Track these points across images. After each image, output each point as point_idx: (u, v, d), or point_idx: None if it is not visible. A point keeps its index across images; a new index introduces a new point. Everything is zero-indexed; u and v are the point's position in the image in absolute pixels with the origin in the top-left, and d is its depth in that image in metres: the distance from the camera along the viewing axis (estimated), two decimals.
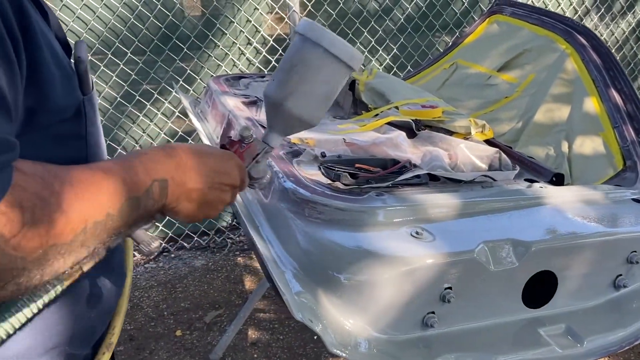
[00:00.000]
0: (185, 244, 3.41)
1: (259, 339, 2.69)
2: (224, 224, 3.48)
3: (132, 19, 2.81)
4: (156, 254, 0.64)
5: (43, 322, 0.62)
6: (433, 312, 0.92)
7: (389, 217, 1.01)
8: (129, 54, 2.86)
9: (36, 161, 0.49)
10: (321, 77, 0.75)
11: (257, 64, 3.15)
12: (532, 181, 1.24)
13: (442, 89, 2.17)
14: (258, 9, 3.05)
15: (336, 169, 1.16)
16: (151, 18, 2.84)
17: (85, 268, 0.57)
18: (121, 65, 2.85)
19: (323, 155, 1.26)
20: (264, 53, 3.13)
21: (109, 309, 0.76)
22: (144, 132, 3.03)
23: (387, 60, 3.42)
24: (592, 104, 1.69)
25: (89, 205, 0.51)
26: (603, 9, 3.84)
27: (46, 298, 0.56)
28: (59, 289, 0.56)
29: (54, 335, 0.65)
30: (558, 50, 1.98)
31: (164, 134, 3.07)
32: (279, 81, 0.77)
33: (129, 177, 0.56)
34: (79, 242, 0.50)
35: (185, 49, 2.96)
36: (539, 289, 1.01)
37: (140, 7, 2.80)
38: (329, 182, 1.13)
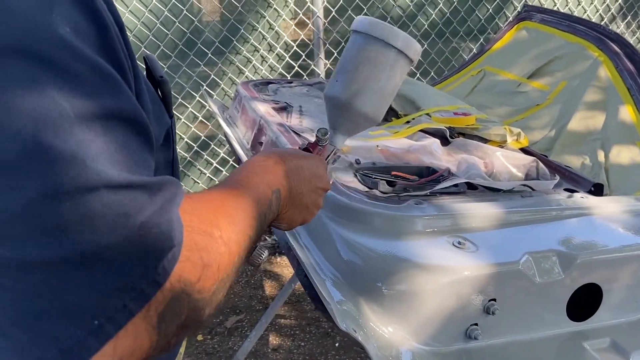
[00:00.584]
0: None
1: (280, 345, 2.68)
2: None
3: (157, 24, 2.83)
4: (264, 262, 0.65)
5: None
6: (476, 324, 0.90)
7: (430, 225, 0.99)
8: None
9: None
10: (388, 73, 0.74)
11: (280, 69, 3.16)
12: (571, 191, 1.22)
13: (470, 96, 2.15)
14: (282, 15, 3.06)
15: (373, 176, 1.14)
16: (176, 23, 2.86)
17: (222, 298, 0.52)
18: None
19: (358, 162, 1.25)
20: (287, 58, 3.13)
21: None
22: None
23: (411, 67, 3.40)
24: (627, 113, 1.65)
25: (240, 231, 0.49)
26: (630, 16, 3.79)
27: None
28: None
29: None
30: (590, 58, 1.95)
31: (187, 138, 3.08)
32: (343, 82, 0.76)
33: (257, 195, 0.55)
34: (236, 269, 0.49)
35: (209, 54, 2.97)
36: (584, 301, 0.98)
37: (165, 13, 2.82)
38: (366, 189, 1.11)
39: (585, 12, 3.68)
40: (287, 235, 1.09)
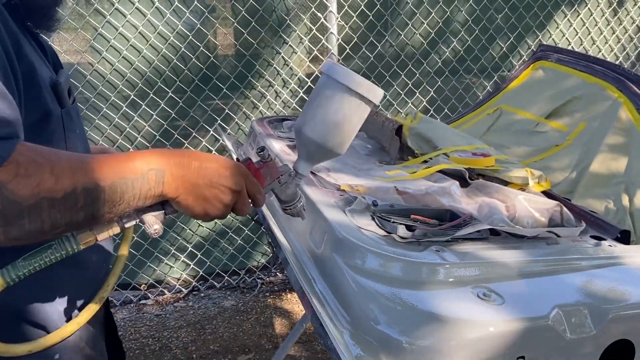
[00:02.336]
0: (215, 283, 3.36)
1: None
2: (255, 263, 3.43)
3: (174, 60, 2.86)
4: (156, 236, 0.70)
5: (51, 278, 0.85)
6: None
7: (452, 274, 0.95)
8: (170, 93, 2.90)
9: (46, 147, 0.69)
10: (333, 105, 0.87)
11: (294, 104, 3.16)
12: (598, 238, 1.17)
13: (487, 135, 2.12)
14: (297, 52, 3.08)
15: (391, 219, 1.10)
16: (193, 59, 2.89)
17: (100, 237, 0.76)
18: (162, 104, 2.89)
19: (375, 204, 1.22)
20: (301, 94, 3.14)
21: (104, 270, 0.98)
22: None
23: (424, 103, 3.40)
24: None
25: (80, 173, 0.67)
26: None
27: (58, 255, 0.74)
28: (75, 248, 0.74)
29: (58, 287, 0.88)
30: (610, 99, 1.92)
31: None
32: (302, 112, 0.91)
33: (125, 162, 0.72)
34: (72, 202, 0.67)
35: (224, 89, 2.99)
36: (615, 359, 0.92)
37: (183, 49, 2.85)
38: (385, 234, 1.07)
39: (600, 51, 3.68)
40: (301, 281, 1.05)
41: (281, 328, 3.03)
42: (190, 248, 3.21)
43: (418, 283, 0.94)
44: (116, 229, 0.77)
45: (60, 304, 0.90)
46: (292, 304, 3.27)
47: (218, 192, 0.78)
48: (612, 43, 3.70)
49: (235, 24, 2.92)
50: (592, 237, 1.18)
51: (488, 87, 3.52)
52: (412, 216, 1.14)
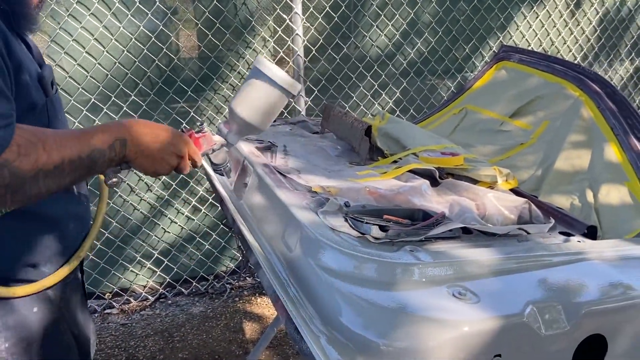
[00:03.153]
0: (183, 290, 3.29)
1: None
2: (224, 268, 3.38)
3: (136, 62, 2.79)
4: (113, 186, 1.04)
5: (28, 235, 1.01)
6: None
7: (427, 274, 0.94)
8: (133, 96, 2.82)
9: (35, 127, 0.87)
10: (260, 92, 1.11)
11: None
12: (567, 234, 1.18)
13: (453, 135, 2.14)
14: (263, 53, 3.05)
15: (365, 220, 1.09)
16: (156, 61, 2.82)
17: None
18: (124, 107, 2.81)
19: (347, 205, 1.20)
20: None
21: (81, 230, 1.13)
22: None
23: (390, 104, 3.42)
24: (613, 153, 1.65)
25: (64, 148, 0.87)
26: (601, 56, 3.90)
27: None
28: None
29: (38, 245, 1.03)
30: (571, 98, 1.96)
31: (165, 177, 3.00)
32: (236, 94, 1.16)
33: (96, 135, 0.92)
34: (60, 171, 0.87)
35: (189, 92, 2.93)
36: (588, 354, 0.93)
37: (145, 50, 2.78)
38: (358, 235, 1.06)
39: (558, 51, 3.78)
40: (275, 284, 1.03)
41: (251, 333, 2.99)
42: (156, 254, 3.13)
43: (393, 284, 0.93)
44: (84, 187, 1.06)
45: (40, 263, 1.05)
46: (262, 308, 3.23)
47: (165, 155, 1.00)
48: (570, 44, 3.80)
49: (199, 25, 2.87)
50: (560, 233, 1.19)
51: (452, 88, 3.56)
52: (384, 216, 1.13)
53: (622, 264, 1.04)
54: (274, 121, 1.99)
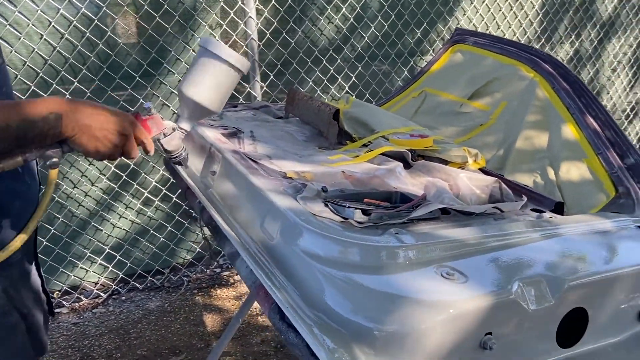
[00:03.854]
0: (137, 285, 3.18)
1: None
2: (180, 260, 3.29)
3: (79, 46, 2.63)
4: (54, 167, 0.99)
5: None
6: None
7: (415, 256, 0.93)
8: (76, 83, 2.67)
9: None
10: (209, 71, 1.08)
11: None
12: (538, 211, 1.21)
13: (415, 117, 2.15)
14: (215, 37, 2.95)
15: (347, 205, 1.07)
16: (100, 45, 2.68)
17: (6, 167, 0.92)
18: (67, 95, 2.65)
19: (324, 189, 1.18)
20: None
21: (24, 210, 1.08)
22: (91, 164, 2.82)
23: (346, 89, 3.41)
24: (570, 131, 1.71)
25: None
26: (543, 39, 4.04)
27: None
28: None
29: None
30: (526, 79, 2.01)
31: (114, 167, 2.87)
32: (184, 77, 1.12)
33: (29, 107, 0.89)
34: None
35: (137, 77, 2.80)
36: (570, 327, 0.96)
37: (88, 34, 2.63)
38: (341, 220, 1.04)
39: (504, 35, 3.88)
40: (259, 274, 0.99)
41: (213, 325, 2.93)
42: (107, 250, 3.00)
43: (382, 267, 0.91)
44: (19, 161, 0.93)
45: None
46: (222, 300, 3.17)
47: (107, 133, 0.95)
48: (514, 27, 3.91)
49: (146, 7, 2.74)
50: (532, 210, 1.22)
51: (405, 72, 3.59)
52: (365, 200, 1.12)
53: (595, 238, 1.07)
54: (236, 107, 1.93)
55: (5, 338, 1.12)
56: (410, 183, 1.30)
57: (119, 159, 1.02)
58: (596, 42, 4.27)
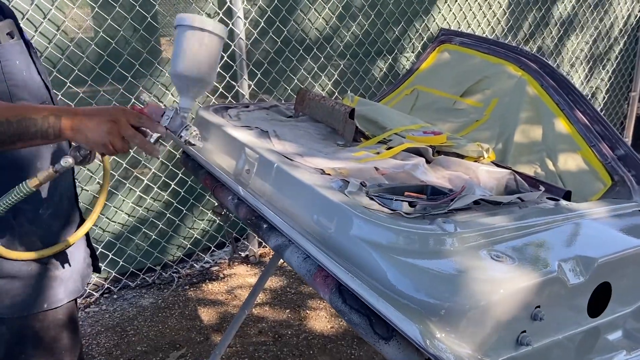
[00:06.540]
0: (129, 283, 3.19)
1: None
2: (171, 257, 3.31)
3: (70, 47, 2.62)
4: (69, 167, 1.16)
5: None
6: (525, 331, 0.97)
7: (465, 242, 1.05)
8: (68, 84, 2.65)
9: None
10: (193, 43, 1.14)
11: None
12: (553, 199, 1.35)
13: (412, 114, 2.27)
14: None
15: (393, 198, 1.18)
16: (92, 45, 2.67)
17: (41, 178, 1.11)
18: (59, 96, 2.63)
19: (363, 184, 1.28)
20: None
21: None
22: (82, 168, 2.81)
23: (329, 85, 3.51)
24: (562, 126, 1.87)
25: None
26: (510, 36, 4.25)
27: (19, 195, 1.10)
28: (27, 189, 1.11)
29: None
30: (515, 77, 2.16)
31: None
32: (172, 60, 1.18)
33: (29, 108, 1.06)
34: None
35: (129, 77, 2.81)
36: (596, 299, 1.10)
37: (80, 34, 2.62)
38: (390, 211, 1.14)
39: (474, 32, 4.06)
40: (318, 260, 1.08)
41: (209, 319, 2.98)
42: (100, 249, 3.00)
43: (438, 252, 1.02)
44: (51, 172, 1.11)
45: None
46: (214, 294, 3.22)
47: (101, 124, 1.06)
48: (483, 26, 4.11)
49: (137, 7, 2.74)
50: (548, 198, 1.36)
51: (384, 69, 3.72)
52: (406, 193, 1.22)
53: (611, 221, 1.22)
54: (247, 107, 2.00)
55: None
56: (434, 177, 1.42)
57: (129, 150, 1.13)
58: (557, 39, 4.53)
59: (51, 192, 1.32)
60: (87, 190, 2.87)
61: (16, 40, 1.22)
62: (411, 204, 1.16)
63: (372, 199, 1.20)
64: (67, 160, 1.12)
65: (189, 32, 1.14)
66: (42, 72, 1.31)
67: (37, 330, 1.32)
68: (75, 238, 1.37)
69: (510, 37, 4.27)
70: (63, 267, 1.36)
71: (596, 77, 4.95)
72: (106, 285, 3.12)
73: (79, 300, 3.06)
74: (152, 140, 1.14)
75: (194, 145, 1.19)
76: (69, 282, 1.38)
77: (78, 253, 1.42)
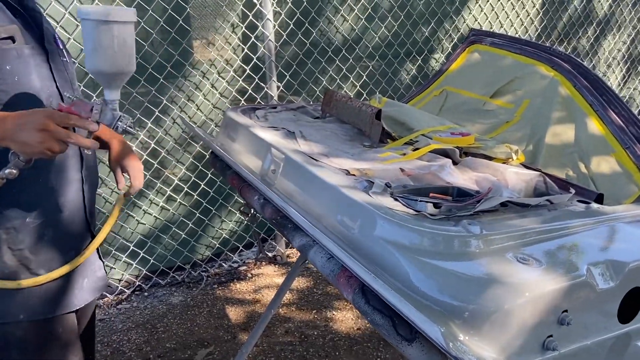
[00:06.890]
0: (160, 281, 3.25)
1: None
2: (200, 256, 3.36)
3: None
4: (10, 177, 1.14)
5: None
6: (551, 336, 0.95)
7: (491, 244, 1.03)
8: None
9: None
10: (103, 37, 1.07)
11: (233, 92, 3.11)
12: (584, 202, 1.32)
13: (440, 115, 2.25)
14: (234, 39, 3.03)
15: (418, 199, 1.17)
16: None
17: None
18: (93, 98, 2.71)
19: (389, 185, 1.27)
20: (240, 81, 3.10)
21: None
22: None
23: (358, 87, 3.50)
24: (595, 127, 1.82)
25: None
26: (544, 37, 4.17)
27: None
28: None
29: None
30: (547, 77, 2.12)
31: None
32: (86, 56, 1.11)
33: None
34: None
35: (161, 79, 2.86)
36: (628, 304, 1.07)
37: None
38: (415, 213, 1.14)
39: (507, 33, 4.00)
40: (342, 260, 1.08)
41: (236, 318, 3.01)
42: (131, 247, 3.06)
43: (463, 254, 1.01)
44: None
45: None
46: (242, 293, 3.25)
47: (28, 133, 1.05)
48: (516, 26, 4.04)
49: (170, 10, 2.80)
50: (578, 201, 1.33)
51: (413, 70, 3.70)
52: (431, 194, 1.22)
53: None
54: (275, 108, 2.02)
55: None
56: (461, 178, 1.40)
57: (66, 149, 1.10)
58: (592, 39, 4.42)
59: (44, 201, 1.28)
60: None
61: (16, 45, 1.19)
62: (436, 205, 1.15)
63: (396, 199, 1.20)
64: (10, 170, 1.11)
65: (97, 26, 1.06)
66: (57, 79, 1.28)
67: (19, 338, 1.31)
68: (74, 265, 1.38)
69: (544, 38, 4.18)
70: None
71: (634, 78, 4.81)
72: (137, 283, 3.19)
73: (110, 297, 3.14)
74: (85, 134, 1.13)
75: (131, 133, 1.18)
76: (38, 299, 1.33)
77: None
